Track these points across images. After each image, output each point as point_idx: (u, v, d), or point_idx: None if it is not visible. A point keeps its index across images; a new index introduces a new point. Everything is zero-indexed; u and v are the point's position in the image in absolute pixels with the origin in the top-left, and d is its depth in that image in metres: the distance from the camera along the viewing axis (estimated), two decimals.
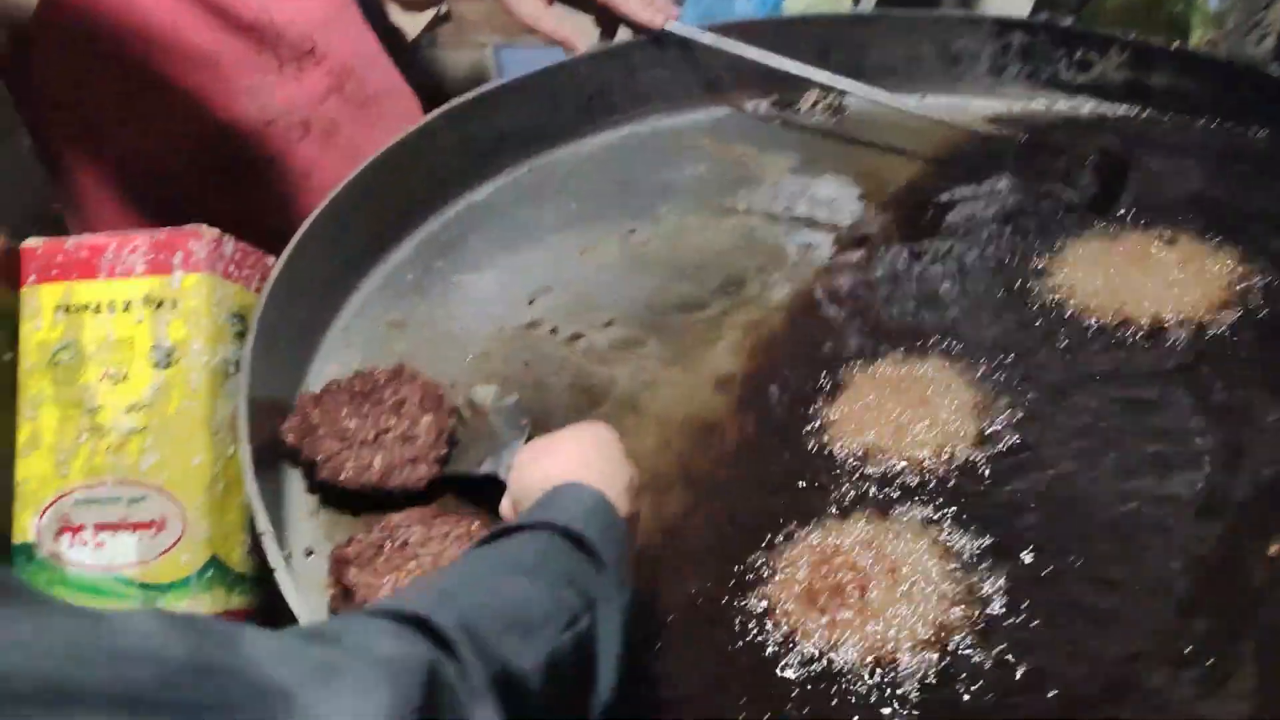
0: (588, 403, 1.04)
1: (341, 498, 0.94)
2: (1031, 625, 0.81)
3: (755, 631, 0.83)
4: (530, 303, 1.15)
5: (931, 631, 0.81)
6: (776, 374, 1.06)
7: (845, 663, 0.80)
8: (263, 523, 0.80)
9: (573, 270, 1.19)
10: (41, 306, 0.94)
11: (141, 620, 0.41)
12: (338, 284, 1.14)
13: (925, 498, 0.92)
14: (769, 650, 0.82)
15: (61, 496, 0.91)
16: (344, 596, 0.81)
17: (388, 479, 0.92)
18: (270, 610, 0.93)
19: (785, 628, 0.83)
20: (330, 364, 1.08)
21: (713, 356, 1.09)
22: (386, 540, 0.84)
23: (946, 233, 1.21)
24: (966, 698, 0.77)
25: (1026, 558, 0.86)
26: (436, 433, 0.95)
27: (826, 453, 0.97)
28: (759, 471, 0.97)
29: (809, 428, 1.00)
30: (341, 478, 0.92)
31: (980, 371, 1.03)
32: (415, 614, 0.52)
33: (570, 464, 0.76)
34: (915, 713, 0.77)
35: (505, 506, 0.84)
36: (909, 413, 0.99)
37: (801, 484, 0.95)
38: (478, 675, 0.52)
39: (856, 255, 1.20)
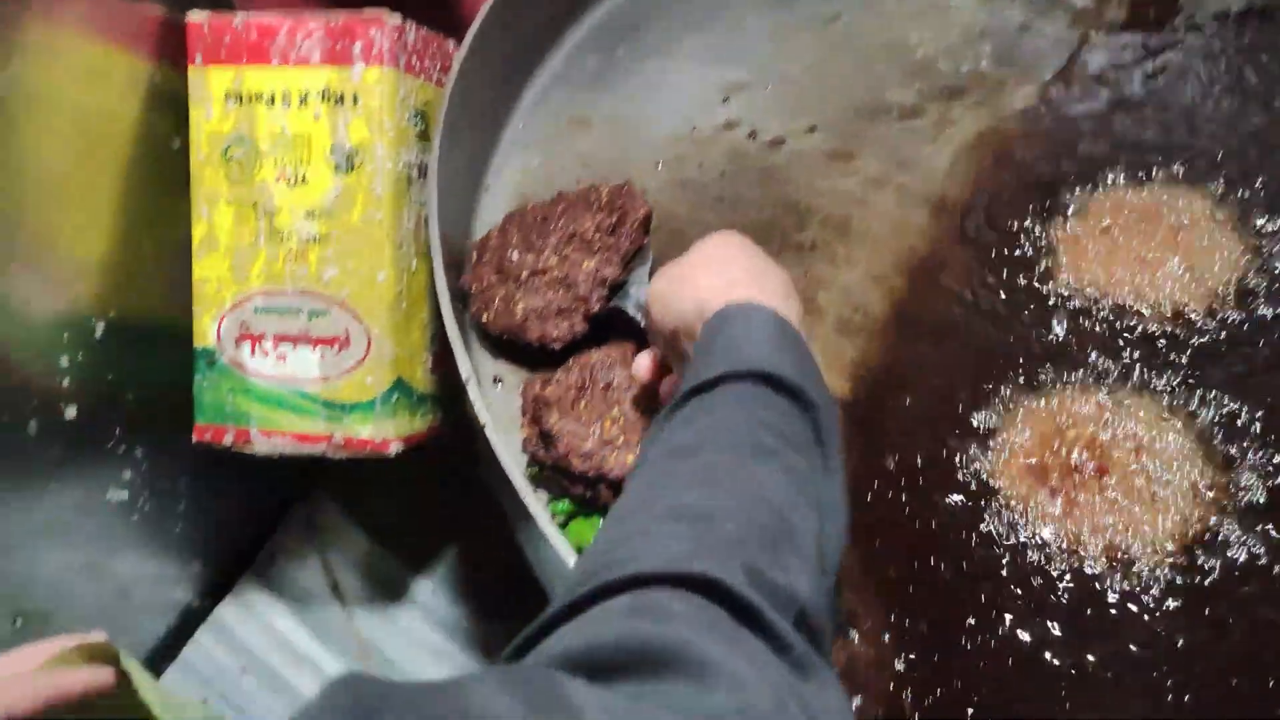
0: (793, 224, 0.94)
1: None
2: None
3: (971, 508, 0.77)
4: (725, 100, 1.03)
5: (1181, 528, 0.73)
6: (1004, 200, 0.94)
7: (1076, 553, 0.73)
8: (465, 367, 0.73)
9: (771, 63, 1.05)
10: (211, 93, 0.86)
11: (495, 697, 0.35)
12: (515, 74, 1.02)
13: (1179, 363, 0.81)
14: (986, 526, 0.75)
15: (240, 303, 0.87)
16: (543, 440, 0.76)
17: (525, 329, 0.83)
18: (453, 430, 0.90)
19: (1007, 508, 0.76)
20: (509, 167, 0.99)
21: (931, 175, 0.96)
22: (587, 381, 0.78)
23: (1219, 26, 1.02)
24: (1217, 610, 0.70)
25: None
26: (595, 282, 0.83)
27: (1059, 299, 0.86)
28: (982, 316, 0.87)
29: (1040, 268, 0.89)
30: (485, 318, 0.85)
31: (1250, 208, 0.89)
32: (705, 576, 0.44)
33: (725, 278, 0.63)
34: (1159, 620, 0.70)
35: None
36: (1159, 254, 0.88)
37: (1030, 335, 0.85)
38: (799, 645, 0.43)
39: (1106, 51, 1.03)
